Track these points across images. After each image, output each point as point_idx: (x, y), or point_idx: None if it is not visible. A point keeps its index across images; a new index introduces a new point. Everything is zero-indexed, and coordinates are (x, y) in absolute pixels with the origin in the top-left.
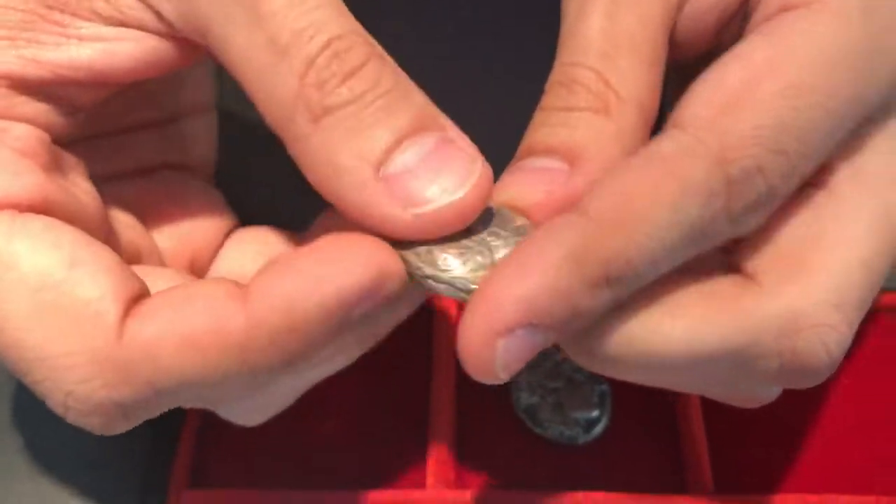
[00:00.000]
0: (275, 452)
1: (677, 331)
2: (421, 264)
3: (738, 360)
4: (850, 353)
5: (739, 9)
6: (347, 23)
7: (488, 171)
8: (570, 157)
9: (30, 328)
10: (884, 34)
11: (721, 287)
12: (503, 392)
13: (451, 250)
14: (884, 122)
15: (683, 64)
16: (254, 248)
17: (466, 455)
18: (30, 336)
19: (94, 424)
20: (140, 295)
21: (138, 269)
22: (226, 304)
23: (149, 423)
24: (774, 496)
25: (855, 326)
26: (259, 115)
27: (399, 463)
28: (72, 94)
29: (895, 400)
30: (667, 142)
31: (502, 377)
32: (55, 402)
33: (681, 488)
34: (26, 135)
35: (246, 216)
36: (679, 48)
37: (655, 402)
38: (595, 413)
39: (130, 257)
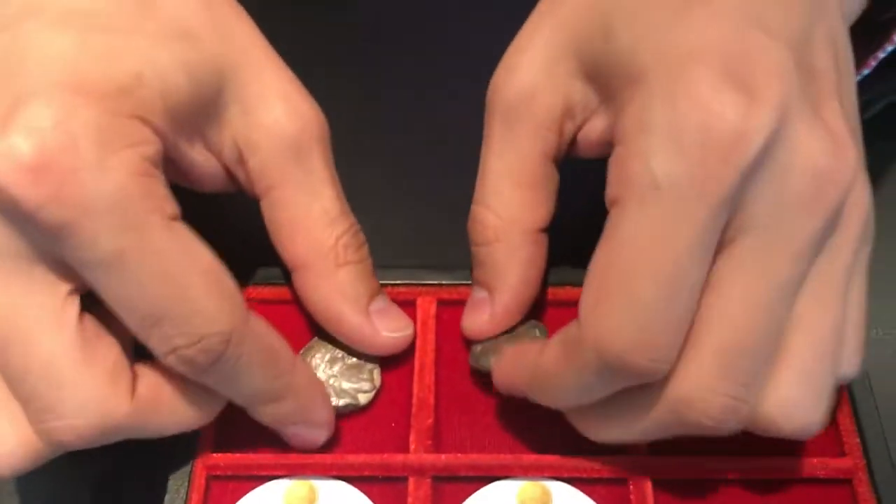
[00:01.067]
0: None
1: (624, 435)
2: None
3: (672, 431)
4: None
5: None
6: (354, 219)
7: (410, 323)
8: (487, 288)
9: (202, 293)
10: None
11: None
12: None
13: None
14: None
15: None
16: None
17: (442, 424)
18: (200, 297)
19: (187, 364)
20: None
21: None
22: (288, 348)
23: None
24: (700, 457)
25: (749, 391)
26: None
27: (387, 432)
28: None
29: None
30: (570, 329)
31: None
32: (177, 342)
33: (619, 449)
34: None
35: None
36: (591, 153)
37: None
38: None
39: None
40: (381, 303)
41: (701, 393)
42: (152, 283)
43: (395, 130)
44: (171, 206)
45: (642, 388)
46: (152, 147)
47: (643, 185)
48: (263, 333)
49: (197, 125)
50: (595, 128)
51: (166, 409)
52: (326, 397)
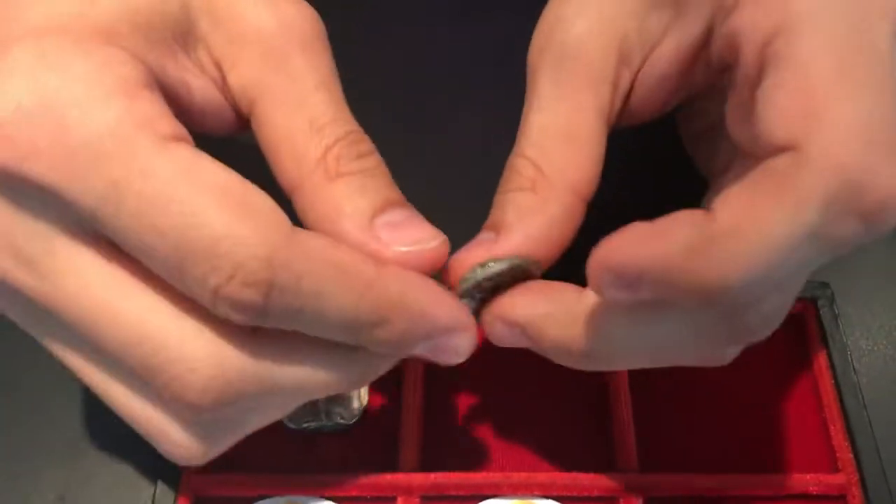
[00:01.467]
0: (269, 443)
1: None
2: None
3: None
4: (764, 348)
5: (688, 66)
6: (357, 125)
7: (446, 240)
8: (497, 230)
9: (221, 215)
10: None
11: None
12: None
13: None
14: None
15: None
16: None
17: (431, 443)
18: (220, 221)
19: (245, 298)
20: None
21: None
22: (366, 260)
23: None
24: (694, 475)
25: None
26: None
27: (374, 451)
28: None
29: (797, 390)
30: (776, 161)
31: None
32: (222, 273)
33: (609, 466)
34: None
35: None
36: (640, 114)
37: (587, 387)
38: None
39: None
40: (394, 215)
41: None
42: (155, 212)
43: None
44: (168, 126)
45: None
46: (128, 67)
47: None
48: (320, 248)
49: (173, 46)
50: (663, 56)
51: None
52: (443, 294)
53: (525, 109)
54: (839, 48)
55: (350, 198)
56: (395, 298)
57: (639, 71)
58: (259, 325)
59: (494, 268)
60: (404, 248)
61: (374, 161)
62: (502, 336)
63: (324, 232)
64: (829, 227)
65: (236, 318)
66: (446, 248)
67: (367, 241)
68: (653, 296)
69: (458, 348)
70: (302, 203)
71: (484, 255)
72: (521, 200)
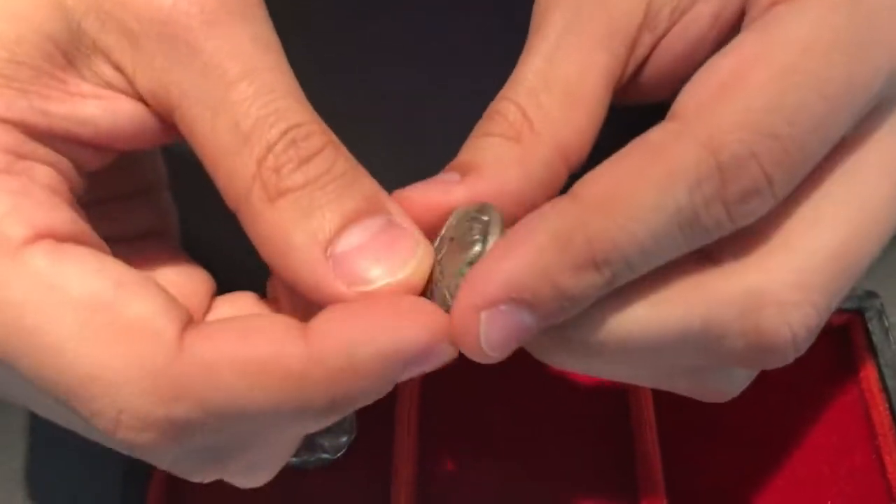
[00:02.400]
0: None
1: (640, 314)
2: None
3: (702, 341)
4: (804, 365)
5: (722, 38)
6: (307, 112)
7: (430, 250)
8: (464, 171)
9: (84, 348)
10: (876, 22)
11: (683, 269)
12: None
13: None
14: (884, 116)
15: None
16: (229, 311)
17: (427, 482)
18: (84, 355)
19: (143, 442)
20: (190, 320)
21: None
22: (287, 336)
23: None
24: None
25: (823, 312)
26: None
27: (362, 491)
28: (78, 155)
29: (842, 415)
30: (657, 130)
31: (491, 355)
32: (106, 420)
33: (632, 490)
34: (51, 175)
35: None
36: (658, 88)
37: (608, 404)
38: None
39: None
40: (358, 233)
41: (786, 293)
42: (12, 347)
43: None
44: (26, 218)
45: (702, 259)
46: None
47: None
48: (224, 351)
49: (56, 74)
50: (694, 24)
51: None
52: (402, 315)
53: (523, 55)
54: (818, 45)
55: (296, 223)
56: (341, 369)
57: (661, 38)
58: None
59: (484, 219)
60: (375, 285)
61: (328, 160)
62: (491, 332)
63: (275, 271)
64: (696, 209)
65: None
66: (425, 267)
67: (327, 282)
68: (537, 319)
69: (440, 358)
70: (247, 229)
71: (440, 198)
72: (501, 147)
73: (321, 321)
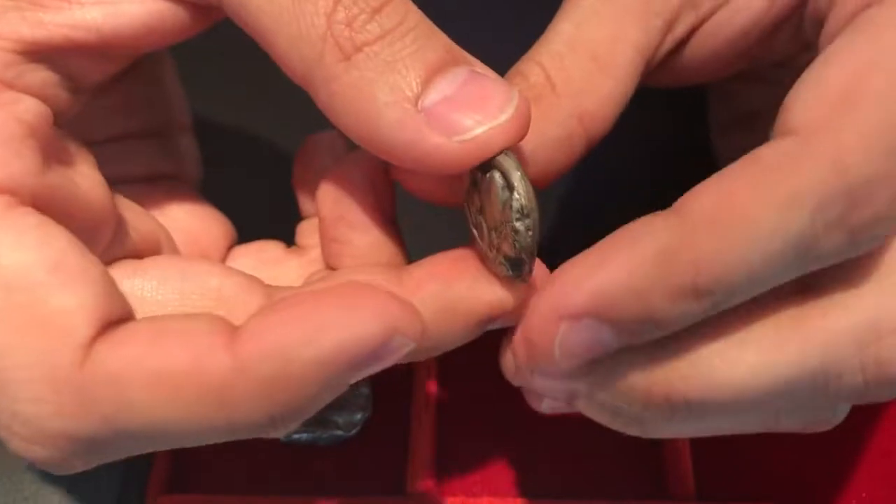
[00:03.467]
0: (252, 459)
1: (750, 362)
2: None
3: (818, 383)
4: None
5: (778, 24)
6: None
7: (525, 96)
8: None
9: None
10: None
11: (788, 307)
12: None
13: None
14: None
15: (717, 86)
16: (251, 262)
17: (446, 462)
18: None
19: (39, 457)
20: (122, 319)
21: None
22: (211, 342)
23: None
24: None
25: None
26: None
27: (379, 469)
28: (79, 64)
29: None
30: (774, 147)
31: (561, 365)
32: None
33: (663, 496)
34: (34, 109)
35: None
36: (700, 70)
37: None
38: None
39: (150, 247)
40: (448, 83)
41: None
42: None
43: None
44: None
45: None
46: None
47: None
48: (134, 358)
49: None
50: (748, 7)
51: None
52: (349, 307)
53: (554, 19)
54: None
55: (381, 78)
56: (273, 380)
57: (706, 19)
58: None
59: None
60: (474, 133)
61: (399, 11)
62: (567, 345)
63: (360, 137)
64: (817, 233)
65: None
66: (523, 112)
67: (424, 136)
68: (618, 339)
69: (396, 354)
70: (322, 103)
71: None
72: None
73: (252, 320)
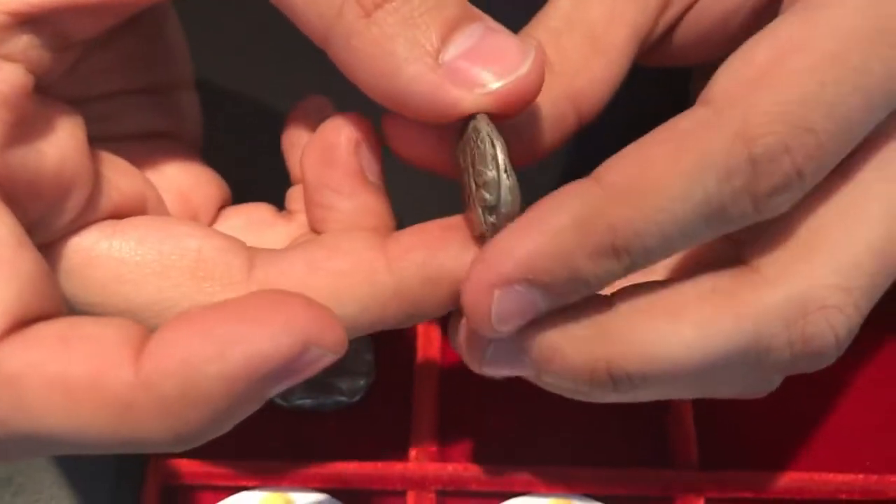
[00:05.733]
0: (255, 424)
1: (686, 336)
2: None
3: (750, 357)
4: None
5: (762, 9)
6: None
7: (541, 47)
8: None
9: None
10: None
11: (722, 283)
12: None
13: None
14: None
15: (700, 68)
16: (240, 223)
17: (449, 429)
18: None
19: None
20: (43, 316)
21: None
22: (116, 354)
23: None
24: (761, 473)
25: (864, 311)
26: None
27: (382, 435)
28: (70, 22)
29: (879, 379)
30: (688, 117)
31: (501, 330)
32: None
33: (666, 464)
34: (11, 79)
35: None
36: (690, 52)
37: None
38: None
39: (134, 207)
40: (466, 38)
41: (830, 296)
42: None
43: None
44: None
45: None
46: None
47: None
48: (36, 361)
49: None
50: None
51: None
52: (257, 317)
53: (546, 6)
54: (860, 34)
55: (401, 33)
56: (176, 398)
57: (696, 1)
58: None
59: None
60: (493, 86)
61: None
62: (503, 310)
63: (380, 92)
64: (724, 200)
65: None
66: (539, 65)
67: (445, 90)
68: (550, 300)
69: (314, 364)
70: (341, 59)
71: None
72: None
73: (159, 333)
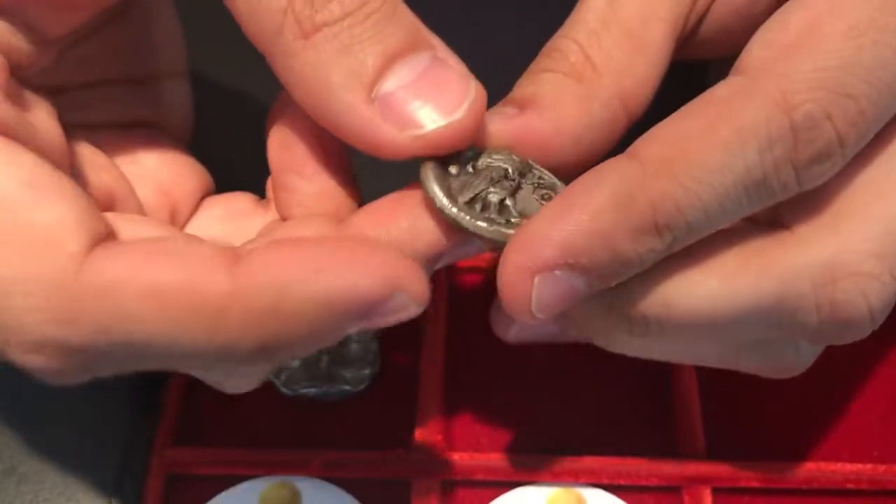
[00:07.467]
0: (260, 413)
1: (710, 286)
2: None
3: (774, 316)
4: None
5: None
6: None
7: (482, 90)
8: (522, 105)
9: None
10: None
11: (753, 239)
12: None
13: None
14: None
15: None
16: (220, 213)
17: (454, 418)
18: None
19: (36, 365)
20: (107, 236)
21: (119, 217)
22: (212, 263)
23: (132, 380)
24: (769, 463)
25: None
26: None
27: (387, 424)
28: (38, 16)
29: (887, 369)
30: (724, 86)
31: (539, 317)
32: None
33: (673, 453)
34: None
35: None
36: (712, 45)
37: (648, 366)
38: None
39: (102, 201)
40: (406, 70)
41: (863, 263)
42: None
43: None
44: None
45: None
46: None
47: None
48: (130, 271)
49: None
50: None
51: None
52: (353, 252)
53: (578, 5)
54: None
55: (336, 60)
56: (267, 310)
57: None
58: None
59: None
60: (425, 130)
61: None
62: (543, 297)
63: (314, 115)
64: (766, 170)
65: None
66: (479, 108)
67: (376, 125)
68: (591, 284)
69: (397, 313)
70: (280, 76)
71: (498, 127)
72: (562, 83)
73: (258, 250)
